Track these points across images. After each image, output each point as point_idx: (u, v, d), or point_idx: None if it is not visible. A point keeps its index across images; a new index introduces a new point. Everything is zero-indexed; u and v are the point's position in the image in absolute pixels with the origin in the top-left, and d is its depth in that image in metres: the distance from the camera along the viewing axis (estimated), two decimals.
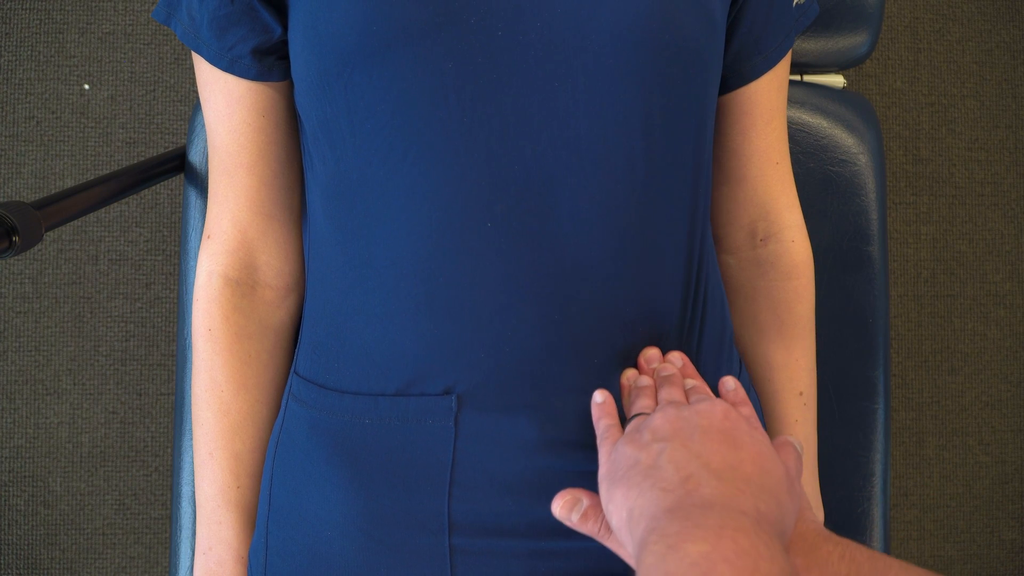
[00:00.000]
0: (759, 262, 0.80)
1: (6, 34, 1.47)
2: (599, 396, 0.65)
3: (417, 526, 0.68)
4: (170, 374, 1.48)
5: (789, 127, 0.98)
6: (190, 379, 0.84)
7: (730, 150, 0.79)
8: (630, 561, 0.55)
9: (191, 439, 0.92)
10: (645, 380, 0.66)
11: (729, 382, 0.68)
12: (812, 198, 1.00)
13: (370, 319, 0.68)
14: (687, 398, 0.63)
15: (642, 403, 0.63)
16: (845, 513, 1.00)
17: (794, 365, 0.81)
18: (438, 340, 0.66)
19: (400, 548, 0.68)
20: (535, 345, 0.66)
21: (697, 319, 0.72)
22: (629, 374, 0.68)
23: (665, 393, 0.63)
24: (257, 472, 0.76)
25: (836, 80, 1.10)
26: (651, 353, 0.69)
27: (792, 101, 1.02)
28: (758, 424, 0.61)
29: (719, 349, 0.75)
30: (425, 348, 0.67)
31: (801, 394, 0.81)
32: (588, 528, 0.59)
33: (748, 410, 0.65)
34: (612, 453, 0.58)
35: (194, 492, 0.79)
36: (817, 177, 1.02)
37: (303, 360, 0.74)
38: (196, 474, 0.77)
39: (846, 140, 1.02)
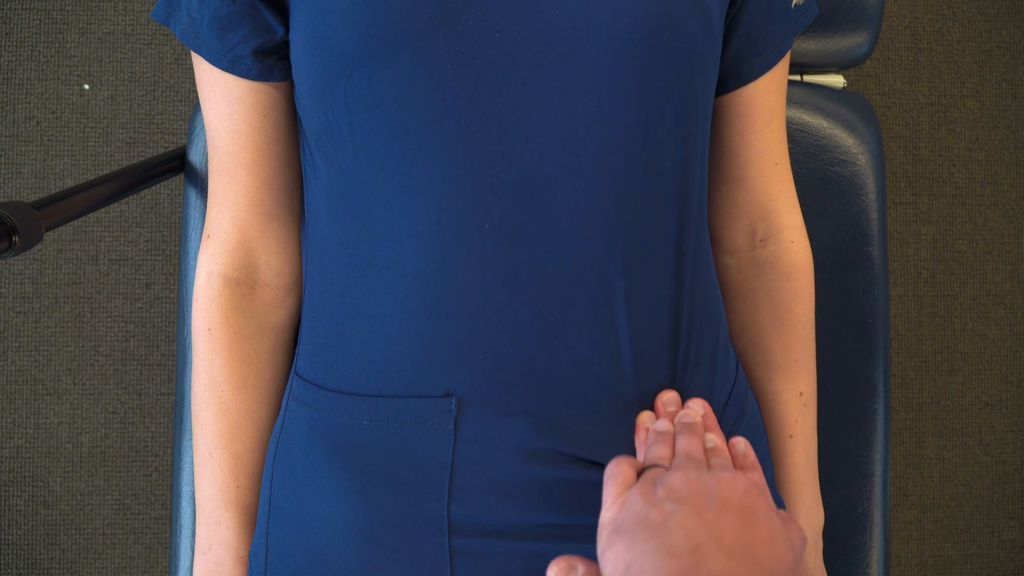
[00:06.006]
0: (758, 263, 0.80)
1: (6, 34, 1.47)
2: (645, 420, 0.66)
3: (417, 528, 0.68)
4: (170, 374, 1.48)
5: (789, 127, 0.98)
6: (190, 379, 0.84)
7: (729, 151, 0.78)
8: None
9: (191, 439, 0.92)
10: (664, 424, 0.65)
11: (740, 444, 0.67)
12: (812, 198, 1.00)
13: (370, 320, 0.68)
14: (707, 456, 0.62)
15: (659, 452, 0.62)
16: (845, 513, 1.00)
17: (794, 365, 0.81)
18: (437, 341, 0.66)
19: (400, 549, 0.68)
20: (533, 347, 0.66)
21: (690, 318, 0.72)
22: (644, 417, 0.68)
23: (684, 443, 0.62)
24: (257, 472, 0.76)
25: (836, 80, 1.10)
26: (668, 397, 0.68)
27: (792, 101, 1.02)
28: (771, 500, 0.59)
29: (715, 348, 0.75)
30: (424, 350, 0.67)
31: (801, 394, 0.81)
32: None
33: (759, 476, 0.64)
34: (621, 499, 0.57)
35: (194, 492, 0.79)
36: (817, 177, 1.01)
37: (303, 360, 0.74)
38: (196, 474, 0.77)
39: (846, 140, 1.02)
